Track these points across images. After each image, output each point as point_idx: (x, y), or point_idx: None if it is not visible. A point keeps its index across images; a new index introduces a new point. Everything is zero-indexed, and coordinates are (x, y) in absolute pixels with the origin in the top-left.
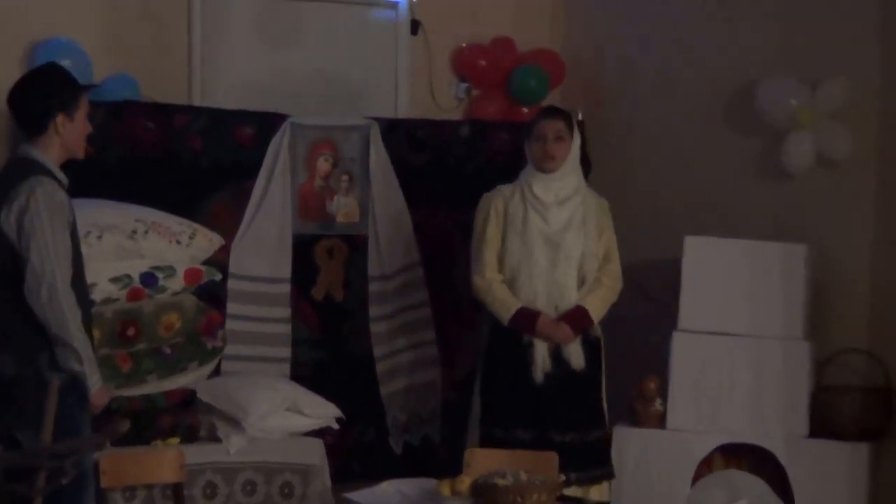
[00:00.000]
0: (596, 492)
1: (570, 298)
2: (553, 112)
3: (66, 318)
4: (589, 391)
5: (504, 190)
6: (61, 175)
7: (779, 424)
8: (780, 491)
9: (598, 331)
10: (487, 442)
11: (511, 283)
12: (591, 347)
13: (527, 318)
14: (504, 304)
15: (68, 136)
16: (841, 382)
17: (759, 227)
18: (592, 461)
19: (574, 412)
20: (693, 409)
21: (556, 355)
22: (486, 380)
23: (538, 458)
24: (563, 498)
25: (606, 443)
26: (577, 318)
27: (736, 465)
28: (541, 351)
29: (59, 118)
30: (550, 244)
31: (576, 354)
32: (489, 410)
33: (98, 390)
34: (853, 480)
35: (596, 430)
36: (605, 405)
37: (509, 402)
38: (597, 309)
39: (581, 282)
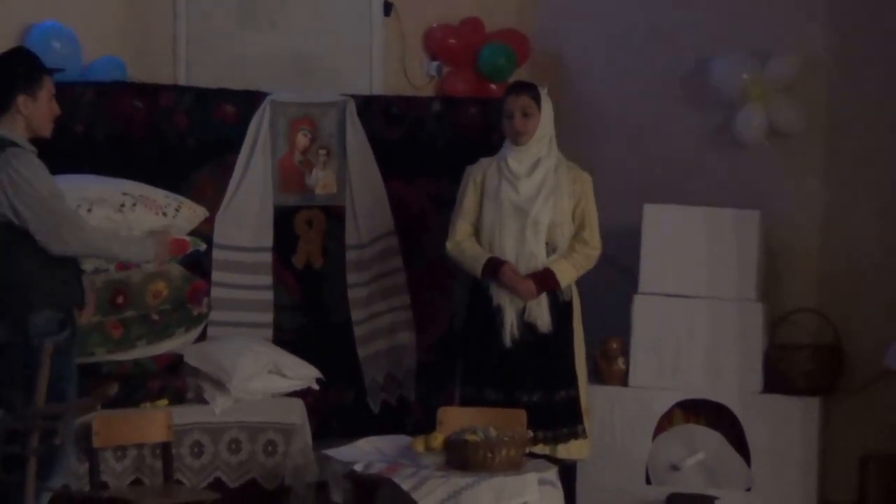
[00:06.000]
0: (574, 450)
1: (540, 265)
2: (519, 88)
3: (95, 241)
4: (557, 353)
5: (484, 163)
6: (30, 146)
7: (734, 381)
8: (735, 444)
9: (569, 295)
10: (462, 400)
11: (487, 251)
12: (560, 311)
13: (495, 266)
14: (475, 258)
15: (31, 115)
16: (793, 341)
17: (715, 195)
18: (559, 420)
19: (541, 373)
20: (654, 368)
21: (524, 319)
22: (462, 342)
23: (507, 415)
24: (531, 454)
25: (575, 403)
26: (542, 278)
27: (694, 420)
28: (510, 316)
29: (21, 98)
30: (520, 212)
31: (542, 318)
32: (464, 371)
33: (154, 242)
34: (805, 433)
35: (563, 391)
36: (576, 367)
37: (481, 363)
38: (565, 273)
39: (553, 249)
